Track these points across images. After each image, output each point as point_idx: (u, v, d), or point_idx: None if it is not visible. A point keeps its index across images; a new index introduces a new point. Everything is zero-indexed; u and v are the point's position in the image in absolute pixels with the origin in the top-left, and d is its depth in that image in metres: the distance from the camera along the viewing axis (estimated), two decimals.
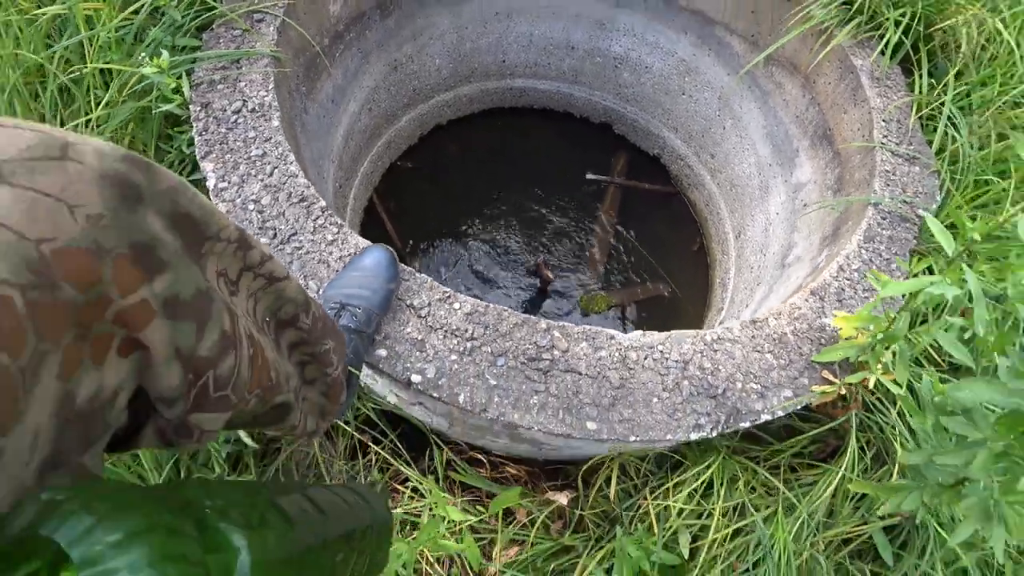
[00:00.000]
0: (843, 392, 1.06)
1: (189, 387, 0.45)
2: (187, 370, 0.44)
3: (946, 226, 0.82)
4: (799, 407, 1.03)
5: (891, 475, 1.11)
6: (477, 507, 1.24)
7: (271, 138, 1.15)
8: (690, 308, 2.06)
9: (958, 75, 1.42)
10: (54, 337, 0.34)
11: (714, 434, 0.97)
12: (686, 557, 1.11)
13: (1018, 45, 1.41)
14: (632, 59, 2.09)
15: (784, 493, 1.12)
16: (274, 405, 0.61)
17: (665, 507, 1.14)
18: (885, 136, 1.36)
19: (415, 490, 1.23)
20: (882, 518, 1.13)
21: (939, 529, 1.09)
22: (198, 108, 1.17)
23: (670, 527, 1.12)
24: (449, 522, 1.08)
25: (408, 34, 1.86)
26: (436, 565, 1.17)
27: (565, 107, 2.38)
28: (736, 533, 1.12)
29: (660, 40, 1.99)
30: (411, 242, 2.06)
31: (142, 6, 1.20)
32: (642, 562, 1.06)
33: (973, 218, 1.21)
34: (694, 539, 1.13)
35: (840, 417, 1.13)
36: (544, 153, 2.32)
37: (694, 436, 0.96)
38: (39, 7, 1.18)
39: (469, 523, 1.12)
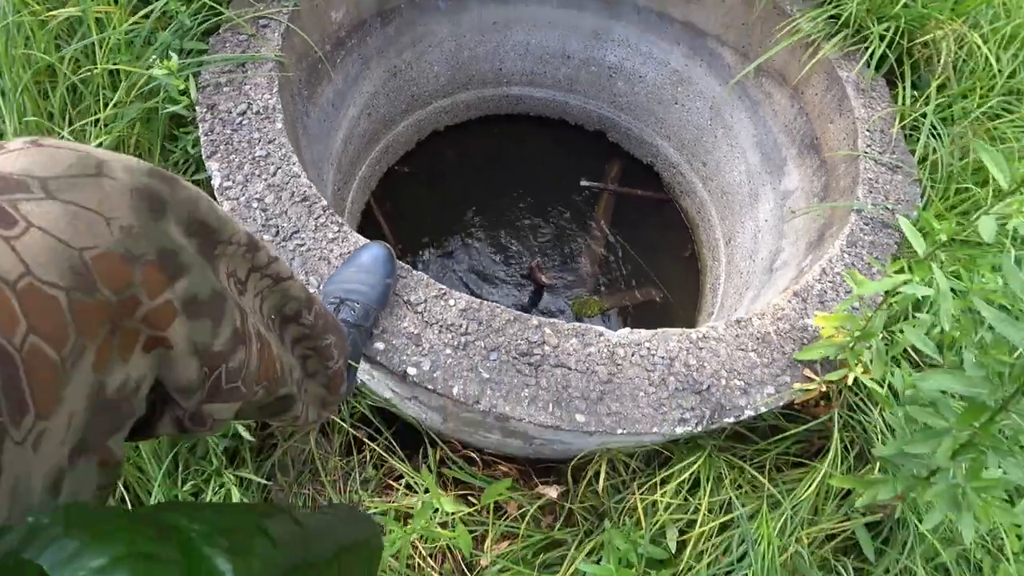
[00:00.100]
0: (825, 390, 1.10)
1: (204, 379, 0.49)
2: (203, 364, 0.48)
3: (922, 231, 0.86)
4: (781, 404, 1.06)
5: (873, 472, 1.15)
6: (470, 502, 1.27)
7: (275, 139, 1.19)
8: (681, 313, 2.10)
9: (940, 87, 1.47)
10: (91, 333, 0.38)
11: (699, 429, 1.01)
12: (673, 551, 1.14)
13: (997, 59, 1.47)
14: (626, 69, 2.14)
15: (769, 490, 1.15)
16: (279, 396, 0.64)
17: (653, 502, 1.17)
18: (869, 145, 1.40)
19: (408, 486, 1.25)
20: (864, 514, 1.16)
21: (918, 525, 1.12)
22: (204, 109, 1.21)
23: (657, 521, 1.15)
24: (442, 514, 1.11)
25: (407, 41, 1.91)
26: (429, 559, 1.19)
27: (560, 115, 2.42)
28: (722, 528, 1.15)
29: (654, 51, 2.04)
30: (407, 246, 2.09)
31: (153, 10, 1.24)
32: (630, 555, 1.09)
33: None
34: (681, 534, 1.16)
35: (823, 415, 1.17)
36: (539, 160, 2.36)
37: (679, 430, 1.00)
38: (50, 9, 1.22)
39: (461, 515, 1.15)
